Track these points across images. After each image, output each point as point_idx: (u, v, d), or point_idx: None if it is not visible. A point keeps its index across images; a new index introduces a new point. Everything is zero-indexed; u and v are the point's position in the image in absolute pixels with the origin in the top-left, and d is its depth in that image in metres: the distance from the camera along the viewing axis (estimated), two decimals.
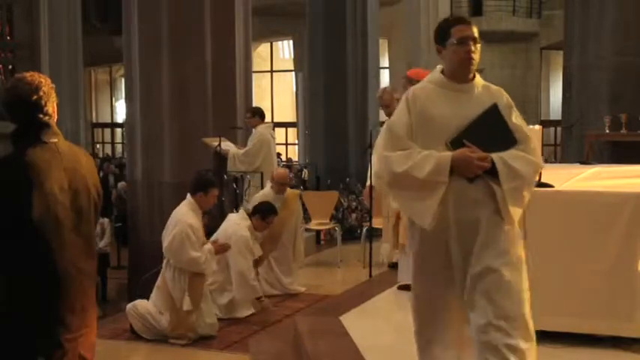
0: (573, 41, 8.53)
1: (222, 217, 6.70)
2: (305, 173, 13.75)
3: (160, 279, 5.71)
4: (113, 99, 27.78)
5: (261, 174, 7.56)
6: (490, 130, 3.04)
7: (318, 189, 11.10)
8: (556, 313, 4.00)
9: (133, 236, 8.19)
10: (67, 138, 2.81)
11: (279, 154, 15.04)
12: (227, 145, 7.73)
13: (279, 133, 23.44)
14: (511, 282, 2.95)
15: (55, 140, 2.69)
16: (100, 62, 24.88)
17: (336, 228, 9.29)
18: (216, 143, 7.60)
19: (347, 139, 11.91)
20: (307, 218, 9.00)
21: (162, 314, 5.58)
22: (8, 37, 18.93)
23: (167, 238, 5.67)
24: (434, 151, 2.99)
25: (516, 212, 3.01)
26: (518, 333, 2.92)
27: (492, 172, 2.98)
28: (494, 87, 3.20)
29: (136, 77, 7.97)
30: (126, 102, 8.56)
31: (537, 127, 4.45)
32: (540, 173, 3.56)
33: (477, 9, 19.29)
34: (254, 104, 8.82)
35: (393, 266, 6.32)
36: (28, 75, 2.72)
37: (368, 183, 6.82)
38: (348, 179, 11.36)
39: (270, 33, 21.64)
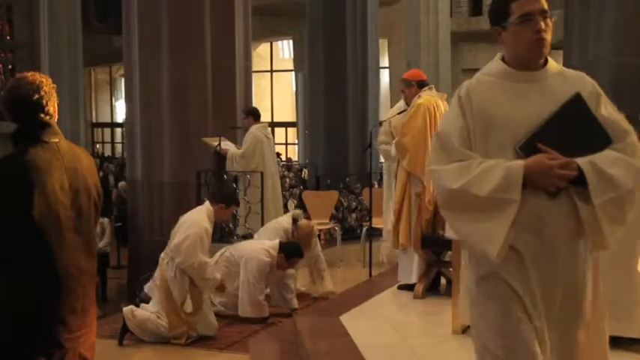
0: (573, 41, 8.51)
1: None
2: (305, 173, 13.74)
3: (159, 279, 5.69)
4: (113, 99, 27.80)
5: (261, 173, 7.55)
6: (573, 128, 2.37)
7: (318, 189, 11.10)
8: None
9: (133, 236, 8.19)
10: (66, 138, 2.81)
11: (278, 154, 15.03)
12: (227, 145, 7.73)
13: (279, 133, 23.46)
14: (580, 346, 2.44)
15: (56, 140, 2.69)
16: (99, 62, 24.92)
17: (336, 228, 9.31)
18: (216, 143, 7.60)
19: (347, 139, 11.91)
20: (307, 218, 8.99)
21: (160, 318, 5.53)
22: (8, 37, 18.97)
23: (179, 236, 5.62)
24: (501, 159, 2.33)
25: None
26: None
27: (581, 183, 2.30)
28: (573, 72, 2.52)
29: (136, 77, 7.95)
30: (126, 102, 8.56)
31: None
32: None
33: (477, 9, 19.29)
34: (254, 104, 8.81)
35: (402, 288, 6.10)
36: (29, 75, 2.72)
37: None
38: (348, 179, 11.37)
39: (270, 33, 21.64)
